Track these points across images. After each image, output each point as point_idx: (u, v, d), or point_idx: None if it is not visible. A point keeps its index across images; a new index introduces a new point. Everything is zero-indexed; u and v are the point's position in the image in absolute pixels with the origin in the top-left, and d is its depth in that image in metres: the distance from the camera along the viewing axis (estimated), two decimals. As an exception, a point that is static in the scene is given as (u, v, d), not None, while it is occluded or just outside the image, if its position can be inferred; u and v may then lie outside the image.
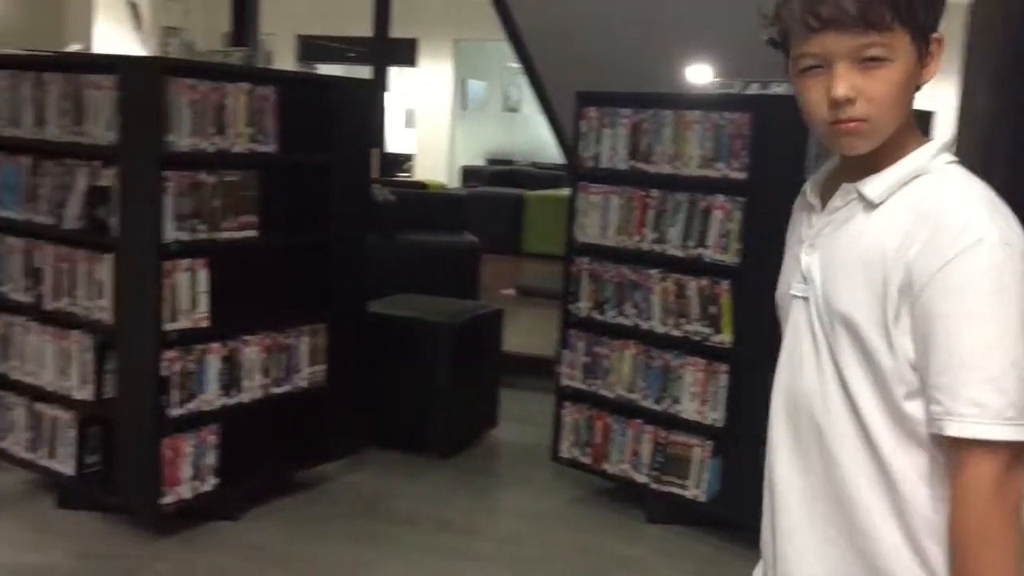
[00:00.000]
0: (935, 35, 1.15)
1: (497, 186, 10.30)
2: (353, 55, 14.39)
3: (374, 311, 4.07)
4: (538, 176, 11.27)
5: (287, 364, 3.57)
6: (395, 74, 11.38)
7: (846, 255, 1.16)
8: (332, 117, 3.68)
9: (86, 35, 10.49)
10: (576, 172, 3.83)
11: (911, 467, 1.13)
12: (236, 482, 3.42)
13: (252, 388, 3.43)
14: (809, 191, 1.24)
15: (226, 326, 3.33)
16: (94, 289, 3.25)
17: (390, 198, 5.79)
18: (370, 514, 3.59)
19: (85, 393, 3.28)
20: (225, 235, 3.30)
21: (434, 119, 13.72)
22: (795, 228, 1.28)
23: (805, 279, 1.20)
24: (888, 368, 1.12)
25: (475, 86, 14.28)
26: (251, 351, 3.42)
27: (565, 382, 3.83)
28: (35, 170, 3.41)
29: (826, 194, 1.23)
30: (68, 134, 3.30)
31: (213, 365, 3.30)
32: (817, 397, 1.18)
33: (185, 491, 3.23)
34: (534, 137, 14.79)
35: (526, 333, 5.62)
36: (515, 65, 14.77)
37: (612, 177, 3.67)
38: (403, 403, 4.18)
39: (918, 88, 1.16)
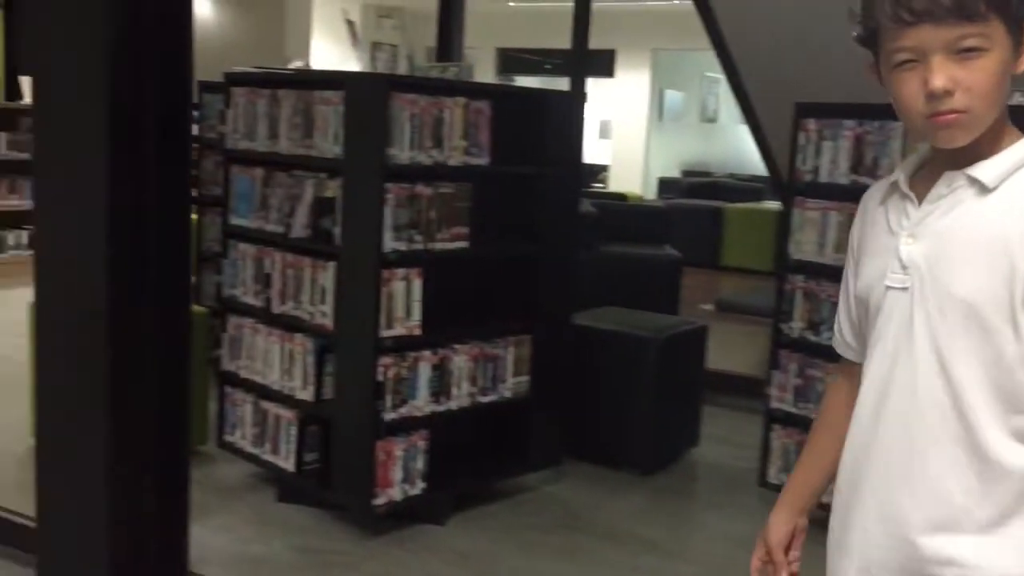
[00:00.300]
0: None
1: (694, 198, 10.12)
2: (549, 67, 14.57)
3: (578, 323, 4.06)
4: (737, 188, 10.99)
5: (493, 374, 3.62)
6: (590, 85, 11.42)
7: (961, 241, 1.15)
8: (543, 130, 3.71)
9: (305, 51, 11.12)
10: (791, 186, 3.69)
11: (1018, 457, 1.12)
12: (442, 487, 3.49)
13: (460, 396, 3.50)
14: (902, 182, 1.23)
15: (437, 334, 3.41)
16: (317, 295, 3.42)
17: (591, 210, 5.78)
18: (572, 527, 3.58)
19: (306, 394, 3.45)
20: (438, 246, 3.39)
21: (630, 130, 13.67)
22: (877, 221, 1.27)
23: (904, 269, 1.18)
24: (1011, 353, 1.11)
25: (672, 96, 14.11)
26: (460, 360, 3.49)
27: (775, 404, 3.69)
28: (267, 181, 3.62)
29: (917, 186, 1.22)
30: (298, 147, 3.49)
31: (424, 372, 3.39)
32: (907, 390, 1.17)
33: (396, 493, 3.33)
34: (732, 148, 14.46)
35: (727, 350, 5.47)
36: (714, 75, 14.54)
37: (832, 192, 3.50)
38: (604, 417, 4.15)
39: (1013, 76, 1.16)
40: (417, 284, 3.32)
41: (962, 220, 1.15)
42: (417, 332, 3.33)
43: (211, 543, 3.19)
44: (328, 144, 3.38)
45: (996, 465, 1.13)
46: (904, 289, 1.18)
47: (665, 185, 12.62)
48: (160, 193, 2.69)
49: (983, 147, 1.16)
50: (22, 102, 8.16)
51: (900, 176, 1.24)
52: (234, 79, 3.79)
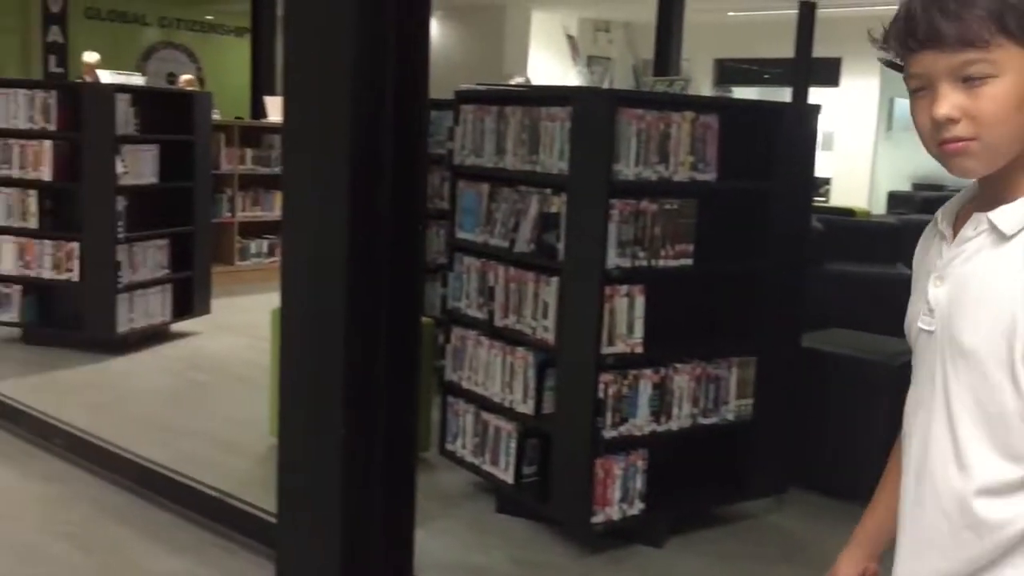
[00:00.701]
0: None
1: (928, 214, 9.46)
2: (768, 76, 14.14)
3: (806, 345, 3.88)
4: (976, 202, 10.21)
5: (715, 395, 3.51)
6: (813, 94, 10.97)
7: (974, 289, 1.10)
8: (773, 143, 3.58)
9: (523, 67, 11.36)
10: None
11: (1006, 512, 1.08)
12: (660, 509, 3.42)
13: (680, 417, 3.42)
14: (941, 219, 1.19)
15: (659, 353, 3.35)
16: (540, 309, 3.44)
17: (817, 226, 5.53)
18: (795, 560, 3.41)
19: (526, 407, 3.48)
20: (662, 263, 3.33)
21: (855, 141, 13.02)
22: (924, 258, 1.23)
23: (931, 312, 1.15)
24: (1012, 408, 1.06)
25: (903, 105, 13.30)
26: (681, 379, 3.42)
27: None
28: (493, 196, 3.69)
29: (959, 224, 1.17)
30: (524, 163, 3.53)
31: (645, 391, 3.33)
32: (923, 439, 1.15)
33: (614, 512, 3.29)
34: (970, 159, 13.45)
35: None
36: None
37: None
38: (833, 445, 3.93)
39: None
40: (640, 301, 3.28)
41: (980, 267, 1.10)
42: (639, 350, 3.28)
43: (432, 548, 3.27)
44: (553, 160, 3.40)
45: (983, 520, 1.10)
46: (930, 333, 1.15)
47: (895, 200, 11.91)
48: (396, 208, 2.79)
49: (1014, 186, 1.10)
50: (265, 120, 8.79)
51: (939, 213, 1.20)
52: (463, 96, 3.89)
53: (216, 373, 5.55)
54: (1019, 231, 1.08)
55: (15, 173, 5.64)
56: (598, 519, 3.26)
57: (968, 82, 1.06)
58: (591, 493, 3.24)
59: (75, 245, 5.57)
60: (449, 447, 3.87)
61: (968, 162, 1.09)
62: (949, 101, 1.07)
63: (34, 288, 5.72)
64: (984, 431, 1.09)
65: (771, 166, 3.57)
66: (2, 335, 5.87)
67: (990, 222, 1.10)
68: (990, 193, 1.12)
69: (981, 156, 1.08)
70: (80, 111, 5.56)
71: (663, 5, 9.22)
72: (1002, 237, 1.09)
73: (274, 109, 8.65)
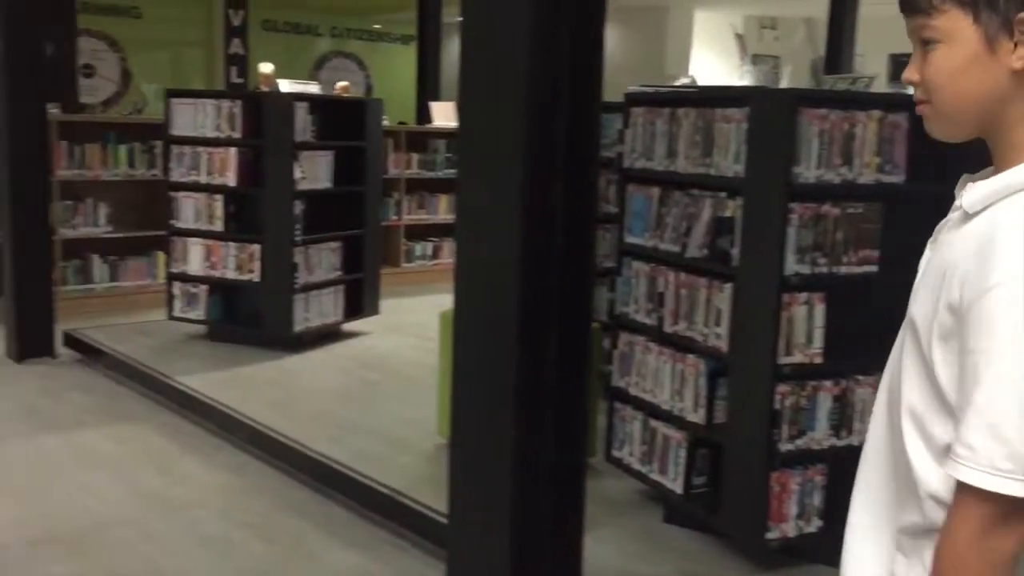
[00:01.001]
0: (1022, 16, 1.04)
1: None
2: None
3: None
4: None
5: (900, 409, 3.33)
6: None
7: (937, 260, 1.10)
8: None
9: (684, 67, 11.17)
10: None
11: (932, 481, 1.09)
12: (840, 527, 3.26)
13: (863, 431, 3.25)
14: (959, 184, 1.15)
15: (840, 364, 3.20)
16: (712, 316, 3.35)
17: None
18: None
19: (697, 416, 3.39)
20: (844, 269, 3.18)
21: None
22: None
23: (919, 275, 1.16)
24: (932, 381, 1.08)
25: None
26: (863, 392, 3.25)
27: None
28: (663, 200, 3.62)
29: None
30: (696, 166, 3.45)
31: (824, 403, 3.19)
32: (881, 393, 1.19)
33: (789, 528, 3.17)
34: None
35: None
36: None
37: None
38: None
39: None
40: (820, 310, 3.14)
41: (948, 240, 1.11)
42: (818, 360, 3.15)
43: (598, 555, 3.23)
44: (728, 162, 3.30)
45: (914, 484, 1.10)
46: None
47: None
48: (569, 211, 2.78)
49: (1001, 160, 1.09)
50: (431, 126, 8.99)
51: (963, 177, 1.17)
52: (633, 98, 3.84)
53: (385, 372, 5.71)
54: (980, 211, 1.07)
55: (203, 179, 5.97)
56: (772, 535, 3.15)
57: (925, 46, 1.10)
58: (766, 508, 3.12)
59: (256, 247, 5.84)
60: (616, 454, 3.82)
61: (928, 124, 1.14)
62: (913, 64, 1.12)
63: (219, 288, 6.04)
64: (917, 390, 1.11)
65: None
66: (190, 332, 6.23)
67: (962, 195, 1.11)
68: (992, 164, 1.12)
69: (934, 120, 1.13)
70: (262, 119, 5.83)
71: (836, 0, 8.88)
72: (965, 215, 1.08)
73: (439, 114, 8.83)
